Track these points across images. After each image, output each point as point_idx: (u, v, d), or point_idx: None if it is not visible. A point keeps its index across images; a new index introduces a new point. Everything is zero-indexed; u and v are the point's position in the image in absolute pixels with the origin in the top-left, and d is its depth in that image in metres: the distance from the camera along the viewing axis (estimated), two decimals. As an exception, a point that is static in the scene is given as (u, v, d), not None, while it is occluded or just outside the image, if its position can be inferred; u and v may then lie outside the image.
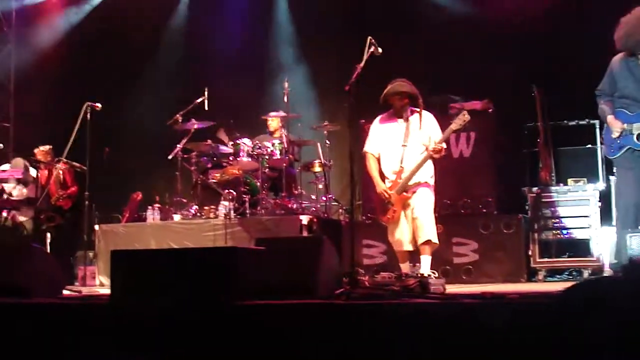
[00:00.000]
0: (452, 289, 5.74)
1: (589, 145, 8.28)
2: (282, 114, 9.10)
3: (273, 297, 4.05)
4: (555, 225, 8.01)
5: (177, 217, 8.86)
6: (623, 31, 6.02)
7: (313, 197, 9.23)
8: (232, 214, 8.33)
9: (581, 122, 8.37)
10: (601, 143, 7.75)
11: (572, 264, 7.94)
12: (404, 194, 6.31)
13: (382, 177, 6.56)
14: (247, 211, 8.46)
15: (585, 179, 8.11)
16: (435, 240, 6.29)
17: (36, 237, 8.76)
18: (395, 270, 6.26)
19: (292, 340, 3.64)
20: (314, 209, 8.95)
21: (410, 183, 6.31)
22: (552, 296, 3.21)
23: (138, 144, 11.16)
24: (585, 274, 7.78)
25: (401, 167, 6.35)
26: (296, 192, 8.93)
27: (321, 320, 3.71)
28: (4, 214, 9.04)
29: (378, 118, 6.73)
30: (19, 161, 8.70)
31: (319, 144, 9.18)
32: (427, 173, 6.37)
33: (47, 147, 9.51)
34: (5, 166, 9.01)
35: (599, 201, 7.88)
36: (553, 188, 8.11)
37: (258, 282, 4.31)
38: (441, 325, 3.46)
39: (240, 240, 7.94)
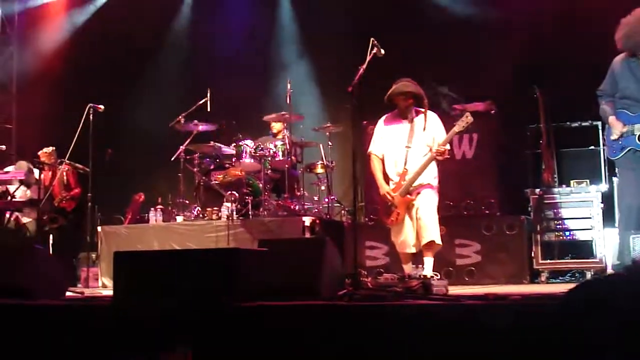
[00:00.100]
0: (454, 290, 5.74)
1: (592, 147, 8.26)
2: (284, 115, 9.09)
3: (276, 299, 4.05)
4: (558, 226, 8.00)
5: (179, 219, 8.86)
6: (623, 32, 6.02)
7: (315, 198, 9.22)
8: (235, 215, 8.33)
9: (584, 124, 8.36)
10: (603, 144, 7.74)
11: (575, 266, 7.93)
12: (408, 196, 6.29)
13: (386, 178, 6.55)
14: (250, 212, 8.46)
15: (587, 181, 8.09)
16: (438, 241, 6.27)
17: (39, 238, 8.76)
18: (397, 272, 6.26)
19: (294, 342, 3.64)
20: (317, 210, 8.95)
21: (414, 185, 6.29)
22: (555, 298, 3.20)
23: (140, 145, 11.17)
24: (588, 275, 7.77)
25: (405, 169, 6.33)
26: (299, 193, 8.93)
27: (324, 321, 3.71)
28: (7, 215, 9.04)
29: (382, 118, 6.70)
30: (23, 163, 8.71)
31: (321, 145, 9.18)
32: (431, 174, 6.35)
33: (51, 148, 9.53)
34: (10, 168, 9.02)
35: (602, 202, 7.87)
36: (555, 189, 8.10)
37: (261, 283, 4.31)
38: (444, 327, 3.46)
39: (242, 242, 7.94)
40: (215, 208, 8.65)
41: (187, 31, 11.96)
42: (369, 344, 3.52)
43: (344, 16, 10.77)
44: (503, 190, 8.34)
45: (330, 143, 9.18)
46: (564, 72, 8.68)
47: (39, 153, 9.47)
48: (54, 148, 9.51)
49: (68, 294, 5.65)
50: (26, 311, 4.29)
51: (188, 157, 9.15)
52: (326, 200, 9.09)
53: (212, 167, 9.24)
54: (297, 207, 8.59)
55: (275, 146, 8.86)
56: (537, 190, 8.11)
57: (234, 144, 8.96)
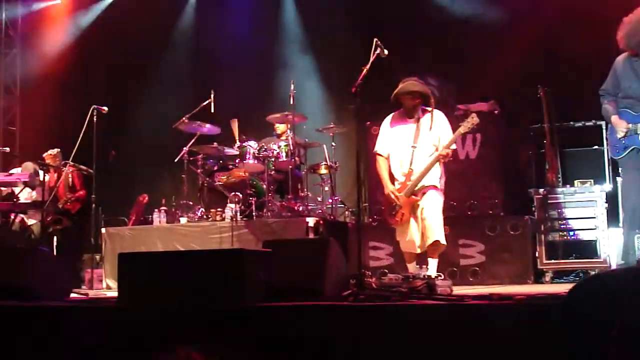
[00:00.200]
0: (458, 290, 5.72)
1: (596, 147, 8.25)
2: (288, 116, 9.09)
3: (280, 299, 4.06)
4: (562, 226, 7.98)
5: (183, 220, 8.87)
6: (625, 31, 6.01)
7: (319, 199, 9.22)
8: (239, 216, 8.33)
9: (587, 123, 8.34)
10: (607, 144, 7.73)
11: (579, 266, 7.91)
12: (413, 196, 6.27)
13: (392, 178, 6.52)
14: (254, 213, 8.47)
15: (591, 180, 8.07)
16: (443, 241, 6.26)
17: (44, 240, 8.77)
18: (401, 272, 6.25)
19: (299, 342, 3.64)
20: (320, 211, 8.95)
21: (419, 185, 6.26)
22: (559, 298, 3.20)
23: (144, 146, 11.19)
24: (592, 275, 7.77)
25: (410, 169, 6.30)
26: (302, 194, 8.92)
27: (328, 321, 3.72)
28: (12, 217, 9.06)
29: (389, 117, 6.65)
30: (29, 165, 8.72)
31: (325, 146, 9.18)
32: (436, 175, 6.32)
33: (56, 150, 9.54)
34: (17, 170, 9.03)
35: (606, 202, 7.85)
36: (559, 189, 8.08)
37: (265, 284, 4.31)
38: (448, 327, 3.46)
39: (246, 243, 7.95)
40: (219, 209, 8.65)
41: (190, 32, 11.98)
42: (373, 344, 3.52)
43: (348, 17, 10.78)
44: (507, 191, 8.33)
45: (333, 144, 9.18)
46: (568, 72, 8.68)
47: (44, 155, 9.48)
48: (59, 150, 9.52)
49: (72, 295, 5.66)
50: (31, 312, 4.30)
51: (192, 158, 9.16)
52: (330, 201, 9.09)
53: (215, 168, 9.24)
54: (300, 208, 8.59)
55: (279, 147, 8.86)
56: (541, 190, 8.09)
57: (238, 145, 8.97)
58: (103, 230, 8.99)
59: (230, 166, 9.13)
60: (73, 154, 8.24)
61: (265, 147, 8.83)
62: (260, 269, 4.34)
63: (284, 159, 8.81)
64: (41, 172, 8.76)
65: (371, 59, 5.77)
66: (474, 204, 8.28)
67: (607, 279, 3.02)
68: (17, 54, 11.94)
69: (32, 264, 5.22)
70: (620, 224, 7.06)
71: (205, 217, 8.78)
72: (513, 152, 8.70)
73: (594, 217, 7.85)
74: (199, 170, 9.18)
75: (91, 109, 8.22)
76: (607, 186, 7.98)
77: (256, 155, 8.80)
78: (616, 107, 6.12)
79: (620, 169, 6.60)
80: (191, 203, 9.13)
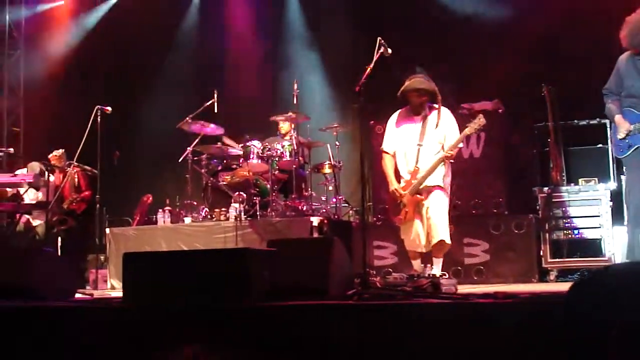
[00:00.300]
0: (463, 289, 5.72)
1: (600, 145, 8.23)
2: (291, 115, 9.10)
3: (284, 299, 4.06)
4: (567, 225, 7.97)
5: (187, 220, 8.88)
6: (628, 30, 5.99)
7: (323, 198, 9.22)
8: (243, 216, 8.33)
9: (592, 122, 8.33)
10: (611, 142, 7.71)
11: (584, 264, 7.89)
12: (417, 195, 6.26)
13: (398, 176, 6.49)
14: (258, 213, 8.47)
15: (596, 179, 8.07)
16: (448, 241, 6.23)
17: (48, 240, 8.78)
18: (406, 271, 6.24)
19: (304, 341, 3.64)
20: (324, 210, 8.94)
21: (425, 184, 6.24)
22: (563, 296, 3.20)
23: (148, 147, 11.20)
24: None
25: (416, 167, 6.27)
26: (306, 193, 8.92)
27: (333, 321, 3.71)
28: (17, 217, 9.07)
29: (395, 115, 6.60)
30: (35, 165, 8.73)
31: (328, 145, 9.18)
32: (442, 174, 6.28)
33: (61, 151, 9.54)
34: (22, 171, 9.04)
35: (611, 201, 7.84)
36: (564, 188, 8.07)
37: (269, 283, 4.31)
38: (453, 325, 3.45)
39: (250, 242, 7.95)
40: (223, 209, 8.66)
41: (194, 32, 11.98)
42: (378, 343, 3.52)
43: (351, 16, 10.78)
44: (511, 189, 8.32)
45: (337, 143, 9.17)
46: (572, 70, 8.67)
47: (50, 156, 9.49)
48: (64, 150, 9.53)
49: (77, 295, 5.67)
50: (35, 313, 4.30)
51: (195, 158, 9.17)
52: (334, 200, 9.09)
53: (219, 168, 9.26)
54: (304, 208, 8.59)
55: (283, 147, 8.87)
56: (546, 188, 8.08)
57: (242, 145, 8.98)
58: (107, 230, 9.01)
59: (234, 166, 9.14)
60: (77, 154, 8.25)
61: (269, 146, 8.84)
62: (264, 269, 4.34)
63: (288, 158, 8.82)
64: (46, 173, 8.77)
65: (375, 58, 5.77)
66: (479, 202, 8.28)
67: (606, 276, 3.02)
68: (21, 55, 11.95)
69: (37, 264, 5.23)
70: (625, 223, 7.05)
71: (209, 216, 8.78)
72: (517, 150, 8.70)
73: (599, 216, 7.84)
74: (203, 170, 9.19)
75: (95, 109, 8.23)
76: (612, 184, 7.97)
77: (260, 155, 8.80)
78: (619, 106, 6.11)
79: (624, 167, 6.59)
80: (195, 203, 9.14)
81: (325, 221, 8.11)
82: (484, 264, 7.94)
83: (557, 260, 7.91)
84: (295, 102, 8.98)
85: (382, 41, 5.83)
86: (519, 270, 7.83)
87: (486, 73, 9.12)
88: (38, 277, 5.06)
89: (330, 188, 9.20)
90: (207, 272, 4.24)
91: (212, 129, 9.19)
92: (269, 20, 11.68)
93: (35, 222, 9.26)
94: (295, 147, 8.86)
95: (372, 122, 8.56)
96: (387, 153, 6.56)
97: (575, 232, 7.94)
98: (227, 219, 8.50)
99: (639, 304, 2.76)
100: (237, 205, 8.41)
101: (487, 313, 3.51)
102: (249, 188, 8.74)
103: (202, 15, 12.04)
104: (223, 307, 3.98)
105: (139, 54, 11.64)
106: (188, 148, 9.08)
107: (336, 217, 8.88)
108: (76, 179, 9.43)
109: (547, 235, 7.95)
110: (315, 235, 7.83)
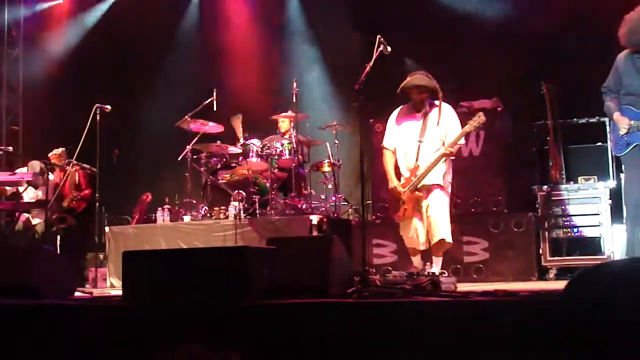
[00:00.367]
0: (462, 287, 5.72)
1: (599, 143, 8.23)
2: (291, 114, 9.10)
3: (284, 297, 4.05)
4: (566, 223, 7.98)
5: (187, 218, 8.87)
6: (627, 28, 5.98)
7: (322, 197, 9.23)
8: (242, 214, 8.33)
9: (591, 120, 8.33)
10: (611, 140, 7.72)
11: (583, 262, 7.88)
12: (417, 192, 6.25)
13: (399, 173, 6.48)
14: (257, 211, 8.47)
15: (595, 177, 8.07)
16: (449, 239, 6.23)
17: (48, 239, 8.78)
18: (405, 270, 6.24)
19: (303, 339, 3.64)
20: (324, 208, 8.95)
21: (424, 180, 6.22)
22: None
23: (147, 145, 11.19)
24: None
25: (416, 164, 6.26)
26: (305, 192, 8.93)
27: (333, 319, 3.71)
28: (16, 215, 9.06)
29: (396, 111, 6.59)
30: (35, 164, 8.73)
31: (328, 144, 9.18)
32: (442, 172, 6.26)
33: (61, 149, 9.53)
34: (22, 169, 9.03)
35: (610, 199, 7.85)
36: (563, 186, 8.08)
37: (269, 281, 4.31)
38: (453, 323, 3.45)
39: (250, 241, 7.95)
40: (222, 207, 8.66)
41: (193, 31, 11.97)
42: (378, 341, 3.52)
43: (351, 14, 10.76)
44: (510, 188, 8.33)
45: (337, 141, 9.18)
46: (571, 69, 8.67)
47: (50, 155, 9.48)
48: (64, 149, 9.53)
49: (76, 294, 5.66)
50: (35, 311, 4.30)
51: (195, 156, 9.16)
52: (333, 198, 9.10)
53: (219, 166, 9.25)
54: (304, 206, 8.59)
55: (282, 145, 8.88)
56: (545, 187, 8.09)
57: (241, 144, 8.98)
58: (107, 229, 9.00)
59: (234, 164, 9.13)
60: (76, 152, 8.25)
61: (268, 145, 8.84)
62: (264, 267, 4.34)
63: (287, 156, 8.82)
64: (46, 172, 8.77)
65: (374, 56, 5.76)
66: (478, 201, 8.28)
67: (602, 273, 3.02)
68: (20, 54, 11.95)
69: (36, 263, 5.22)
70: (624, 221, 7.05)
71: (208, 215, 8.79)
72: (517, 149, 8.70)
73: (598, 214, 7.86)
74: (202, 169, 9.19)
75: (94, 107, 8.23)
76: (611, 183, 7.97)
77: (259, 153, 8.81)
78: (618, 104, 6.10)
79: (623, 165, 6.59)
80: (194, 201, 9.14)
81: (325, 219, 8.11)
82: (484, 262, 7.95)
83: (556, 258, 7.92)
84: (294, 100, 8.98)
85: (382, 39, 5.82)
86: (518, 269, 7.84)
87: (486, 71, 9.11)
88: (37, 276, 5.05)
89: (330, 186, 9.21)
90: (207, 270, 4.24)
91: (211, 127, 9.19)
92: (269, 19, 11.66)
93: (35, 221, 9.25)
94: (295, 146, 8.86)
95: (372, 120, 8.57)
96: (387, 149, 6.55)
97: (575, 230, 7.95)
98: (227, 217, 8.49)
99: (635, 300, 2.76)
100: (236, 203, 8.41)
101: (487, 311, 3.51)
102: (249, 186, 8.73)
103: (202, 13, 12.02)
104: (222, 305, 3.97)
105: (138, 52, 11.62)
106: (187, 146, 9.08)
107: (335, 215, 8.88)
108: (77, 178, 9.42)
109: (546, 233, 7.96)
110: (315, 233, 7.83)
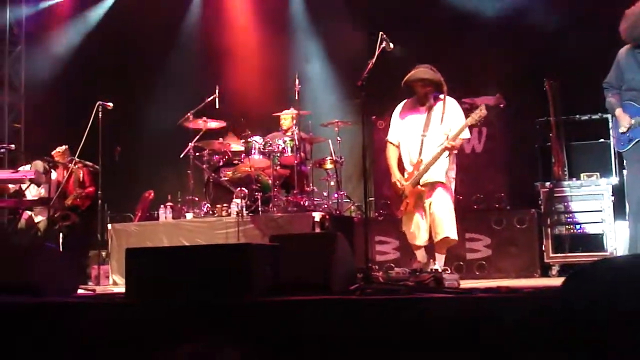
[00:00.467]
0: (465, 284, 5.72)
1: (602, 139, 8.22)
2: (293, 111, 9.10)
3: (287, 294, 4.05)
4: (569, 220, 7.98)
5: (189, 216, 8.88)
6: (628, 23, 5.97)
7: (325, 194, 9.23)
8: (244, 211, 8.33)
9: (594, 116, 8.31)
10: (613, 137, 7.70)
11: (586, 259, 7.87)
12: (418, 187, 6.24)
13: (402, 167, 6.46)
14: (259, 209, 8.47)
15: (598, 173, 8.06)
16: (453, 236, 6.22)
17: (50, 236, 8.78)
18: (408, 266, 6.24)
19: (306, 337, 3.64)
20: (326, 205, 8.95)
21: (427, 177, 6.20)
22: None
23: (150, 142, 11.19)
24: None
25: (420, 159, 6.24)
26: (308, 189, 8.93)
27: (336, 316, 3.71)
28: (20, 213, 9.07)
29: (400, 105, 6.56)
30: (38, 164, 8.74)
31: (330, 141, 9.17)
32: (445, 168, 6.24)
33: (64, 147, 9.54)
34: (26, 168, 9.04)
35: (612, 195, 7.84)
36: (566, 183, 8.07)
37: (272, 278, 4.31)
38: (456, 320, 3.45)
39: (252, 238, 7.95)
40: (224, 205, 8.66)
41: (195, 28, 11.96)
42: (381, 338, 3.51)
43: (354, 11, 10.74)
44: (513, 184, 8.32)
45: (339, 138, 9.17)
46: (574, 65, 8.65)
47: (53, 152, 9.49)
48: (67, 147, 9.53)
49: (79, 291, 5.66)
50: (37, 309, 4.30)
51: (197, 154, 9.17)
52: (335, 195, 9.09)
53: (221, 163, 9.25)
54: (306, 203, 8.58)
55: (284, 142, 8.87)
56: (547, 183, 8.08)
57: (243, 141, 8.97)
58: (109, 226, 9.00)
59: (236, 161, 9.13)
60: (79, 150, 8.25)
61: (270, 142, 8.84)
62: (266, 264, 4.34)
63: (290, 154, 8.82)
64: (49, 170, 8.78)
65: (377, 53, 5.75)
66: (480, 197, 8.28)
67: (598, 269, 3.02)
68: (22, 52, 11.95)
69: (39, 260, 5.22)
70: (627, 217, 7.04)
71: (211, 212, 8.79)
72: (519, 145, 8.68)
73: (601, 211, 7.85)
74: (204, 166, 9.19)
75: (96, 105, 8.23)
76: (614, 179, 7.96)
77: (262, 150, 8.81)
78: (620, 99, 6.09)
79: (625, 162, 6.58)
80: (197, 199, 9.14)
81: (327, 217, 8.11)
82: (486, 259, 7.95)
83: (559, 255, 7.91)
84: (296, 97, 8.98)
85: (384, 36, 5.81)
86: (521, 265, 7.84)
87: (488, 68, 9.09)
88: (40, 274, 5.05)
89: (332, 183, 9.20)
90: (209, 267, 4.24)
91: (213, 124, 9.19)
92: (271, 16, 11.65)
93: (38, 219, 9.26)
94: (297, 143, 8.85)
95: (374, 117, 8.56)
96: (391, 144, 6.53)
97: (577, 226, 7.95)
98: (229, 214, 8.50)
99: (634, 296, 2.76)
100: (238, 200, 8.41)
101: (490, 308, 3.51)
102: (251, 184, 8.73)
103: (204, 10, 12.01)
104: (225, 303, 3.97)
105: (140, 50, 11.62)
106: (190, 144, 9.08)
107: (338, 212, 8.88)
108: (81, 175, 9.43)
109: (549, 230, 7.95)
110: (317, 230, 7.82)
